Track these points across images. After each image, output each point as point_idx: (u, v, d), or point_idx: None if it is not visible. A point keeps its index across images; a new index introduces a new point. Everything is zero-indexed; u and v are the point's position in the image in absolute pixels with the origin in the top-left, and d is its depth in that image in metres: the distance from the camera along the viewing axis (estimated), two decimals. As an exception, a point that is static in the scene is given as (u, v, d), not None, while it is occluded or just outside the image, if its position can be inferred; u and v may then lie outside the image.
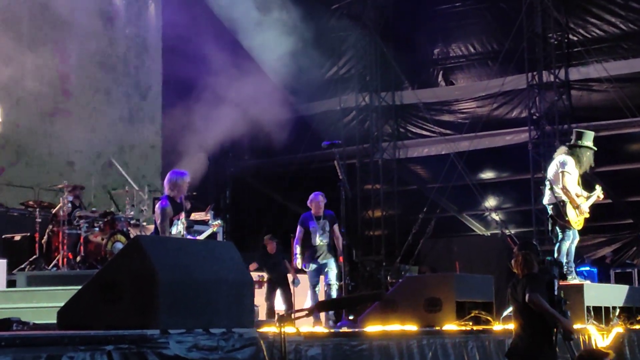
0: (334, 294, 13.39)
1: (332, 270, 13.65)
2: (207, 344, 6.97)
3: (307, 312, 8.59)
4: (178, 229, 10.91)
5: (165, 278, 6.93)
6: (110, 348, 6.34)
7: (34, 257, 13.70)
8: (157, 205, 11.10)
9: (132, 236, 14.07)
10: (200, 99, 19.24)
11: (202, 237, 13.54)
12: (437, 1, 24.32)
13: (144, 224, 14.81)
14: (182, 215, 11.07)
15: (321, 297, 13.91)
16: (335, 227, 13.72)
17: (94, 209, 14.95)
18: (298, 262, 13.88)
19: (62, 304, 9.51)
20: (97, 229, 14.08)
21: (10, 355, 5.75)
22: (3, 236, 14.66)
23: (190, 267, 7.35)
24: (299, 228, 13.84)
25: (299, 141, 23.26)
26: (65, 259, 13.50)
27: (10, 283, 12.81)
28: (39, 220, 14.02)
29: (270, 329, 8.02)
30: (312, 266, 13.68)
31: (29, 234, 14.39)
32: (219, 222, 15.27)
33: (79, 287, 10.58)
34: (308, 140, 23.03)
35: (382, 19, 25.13)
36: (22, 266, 13.47)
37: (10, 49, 18.30)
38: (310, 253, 13.71)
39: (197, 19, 20.41)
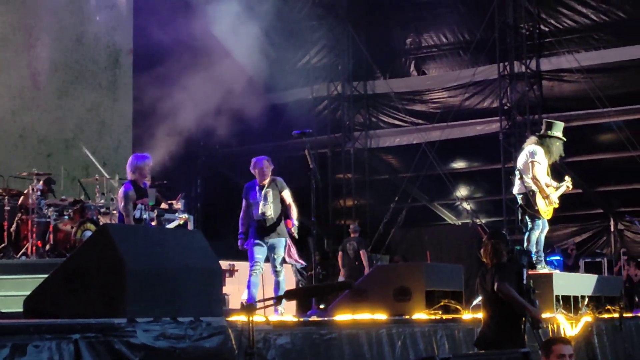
0: (281, 283, 11.79)
1: (279, 255, 11.83)
2: (174, 332, 6.94)
3: (275, 300, 8.61)
4: (142, 214, 10.87)
5: (133, 266, 6.89)
6: (76, 337, 6.30)
7: (3, 245, 13.58)
8: (119, 190, 11.09)
9: (101, 224, 14.00)
10: (170, 86, 19.14)
11: (170, 227, 13.48)
12: (409, -9, 24.38)
13: (114, 212, 14.70)
14: (146, 201, 11.04)
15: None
16: (285, 194, 11.94)
17: (63, 197, 14.86)
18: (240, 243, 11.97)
19: (27, 293, 9.48)
20: (66, 217, 13.99)
21: (-25, 344, 5.70)
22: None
23: (158, 255, 7.32)
24: (243, 202, 12.01)
25: (271, 130, 23.21)
26: (34, 248, 13.40)
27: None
28: (8, 208, 13.90)
29: (238, 318, 8.00)
30: (257, 247, 11.71)
31: (-3, 223, 14.28)
32: (185, 215, 15.23)
33: (43, 276, 10.58)
34: (280, 129, 22.98)
35: (355, 8, 25.12)
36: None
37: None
38: (253, 230, 11.78)
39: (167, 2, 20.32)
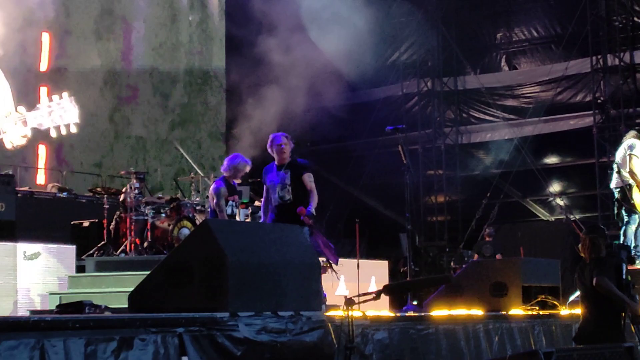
0: None
1: None
2: (275, 326, 7.03)
3: (374, 295, 8.64)
4: (233, 210, 11.03)
5: (234, 261, 6.99)
6: (181, 330, 6.43)
7: (102, 243, 13.87)
8: (211, 187, 11.29)
9: (197, 222, 14.21)
10: (261, 84, 19.33)
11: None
12: (500, -15, 24.23)
13: (209, 209, 14.92)
14: (237, 198, 11.19)
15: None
16: (307, 177, 10.47)
17: (160, 195, 15.12)
18: None
19: (129, 289, 9.65)
20: (163, 215, 14.22)
21: (85, 337, 5.85)
22: (72, 222, 14.87)
23: (258, 250, 7.41)
24: (264, 187, 10.79)
25: (362, 127, 23.29)
26: (132, 245, 13.65)
27: (80, 268, 13.02)
28: (107, 206, 14.19)
29: (336, 313, 8.06)
30: None
31: (97, 220, 14.58)
32: None
33: (146, 272, 10.77)
34: (370, 126, 23.04)
35: (444, 4, 25.03)
36: (91, 252, 13.65)
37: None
38: (271, 217, 10.49)
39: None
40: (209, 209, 12.07)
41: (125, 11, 20.63)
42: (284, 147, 10.45)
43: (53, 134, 16.15)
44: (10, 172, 14.15)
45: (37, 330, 5.63)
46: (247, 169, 11.45)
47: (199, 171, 16.19)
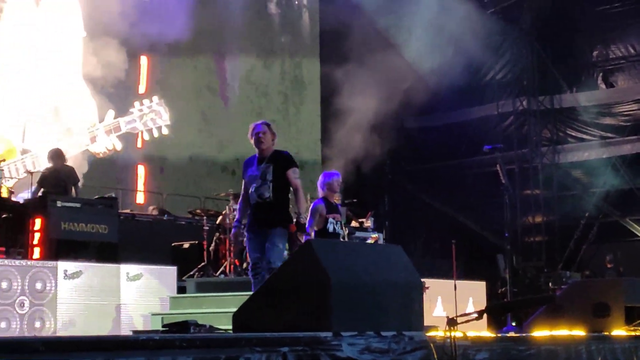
0: None
1: (275, 246, 9.10)
2: (378, 346, 7.03)
3: (476, 315, 8.60)
4: (334, 228, 11.05)
5: (337, 280, 7.03)
6: (285, 350, 6.47)
7: (202, 264, 14.06)
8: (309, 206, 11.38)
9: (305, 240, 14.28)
10: (355, 104, 19.42)
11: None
12: (595, 2, 23.90)
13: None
14: (338, 216, 11.21)
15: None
16: (291, 173, 9.21)
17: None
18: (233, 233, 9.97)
19: (230, 310, 9.79)
20: (259, 233, 14.34)
21: (192, 356, 5.93)
22: (173, 244, 15.11)
23: (360, 269, 7.44)
24: (242, 182, 9.60)
25: (457, 147, 23.19)
26: (232, 266, 13.82)
27: (181, 289, 13.23)
28: (206, 228, 14.39)
29: (437, 333, 8.03)
30: (251, 243, 9.33)
31: (197, 242, 14.79)
32: (376, 235, 15.39)
33: (246, 293, 10.90)
34: (465, 146, 22.94)
35: (539, 22, 24.82)
36: (191, 273, 13.85)
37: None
38: (249, 219, 9.39)
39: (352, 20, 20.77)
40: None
41: (219, 43, 21.04)
42: (262, 136, 9.20)
43: (146, 136, 16.65)
44: (114, 195, 14.44)
45: (146, 349, 5.73)
46: (338, 179, 11.40)
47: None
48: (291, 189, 9.37)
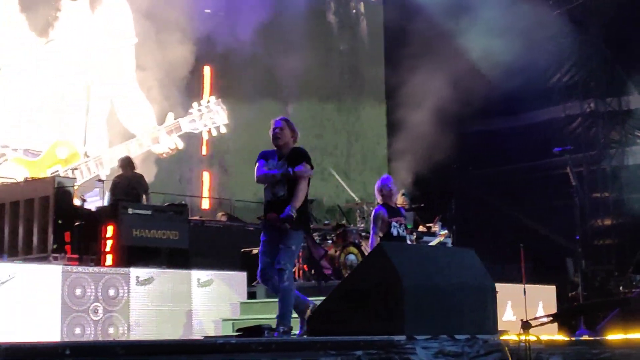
0: (285, 292, 8.51)
1: (287, 248, 8.51)
2: (452, 350, 7.03)
3: (551, 318, 8.54)
4: (398, 231, 11.05)
5: (410, 284, 7.05)
6: (359, 353, 6.51)
7: (272, 269, 14.11)
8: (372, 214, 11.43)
9: (363, 248, 14.32)
10: (420, 114, 19.40)
11: (431, 244, 13.62)
12: (662, 2, 23.59)
13: (374, 236, 15.03)
14: (401, 219, 11.21)
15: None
16: (300, 166, 8.64)
17: (326, 221, 15.30)
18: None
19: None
20: (329, 241, 14.39)
21: (267, 360, 6.01)
22: (242, 250, 15.21)
23: (432, 273, 7.45)
24: None
25: (524, 150, 23.02)
26: (301, 271, 13.87)
27: (251, 294, 13.31)
28: (272, 233, 14.43)
29: (510, 337, 7.99)
30: (264, 243, 8.74)
31: (265, 248, 14.84)
32: (445, 232, 15.33)
33: (315, 298, 10.94)
34: (532, 149, 22.76)
35: (605, 24, 24.53)
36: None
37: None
38: (263, 221, 8.85)
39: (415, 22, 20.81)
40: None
41: (280, 51, 21.24)
42: (278, 132, 8.83)
43: (205, 136, 17.00)
44: (184, 202, 14.60)
45: (222, 353, 5.80)
46: (391, 183, 11.42)
47: (354, 197, 16.36)
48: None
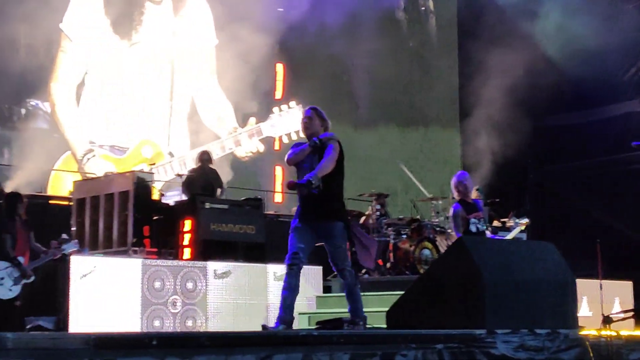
0: (353, 288, 8.41)
1: (338, 247, 8.45)
2: (533, 344, 7.02)
3: (632, 313, 8.46)
4: (477, 227, 11.02)
5: (490, 278, 7.05)
6: (440, 347, 6.53)
7: (347, 263, 14.17)
8: (450, 210, 11.42)
9: (438, 243, 14.31)
10: (493, 109, 19.30)
11: (510, 236, 13.54)
12: None
13: (449, 231, 14.99)
14: (479, 215, 11.16)
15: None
16: (330, 148, 8.21)
17: (401, 216, 15.31)
18: None
19: (374, 309, 9.87)
20: (404, 236, 14.40)
21: (349, 352, 6.06)
22: (317, 244, 15.27)
23: (512, 267, 7.44)
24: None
25: (599, 144, 22.75)
26: (375, 266, 13.92)
27: (326, 289, 13.37)
28: (350, 228, 14.48)
29: (590, 332, 7.95)
30: (297, 233, 8.45)
31: (340, 242, 14.90)
32: (526, 220, 15.19)
33: (390, 293, 10.98)
34: (609, 144, 22.49)
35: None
36: (336, 273, 13.97)
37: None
38: (298, 209, 8.51)
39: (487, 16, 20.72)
40: (452, 231, 12.15)
41: (350, 48, 21.38)
42: (307, 121, 8.43)
43: (285, 140, 17.29)
44: (259, 197, 14.73)
45: (305, 345, 5.87)
46: (467, 179, 11.37)
47: (425, 192, 16.34)
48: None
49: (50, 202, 15.06)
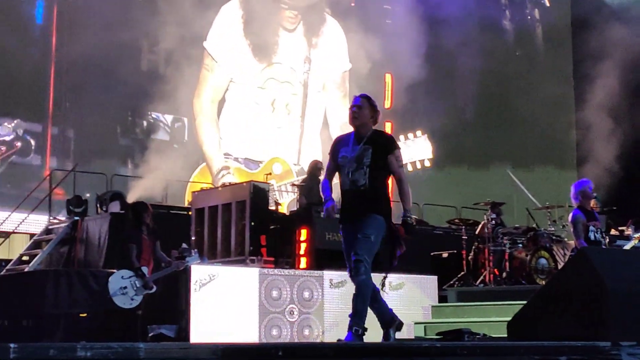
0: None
1: (366, 237, 7.41)
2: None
3: None
4: (595, 236, 10.84)
5: (614, 289, 6.93)
6: (563, 359, 6.45)
7: (462, 273, 14.12)
8: (569, 217, 11.25)
9: (554, 252, 14.13)
10: (607, 118, 19.02)
11: (628, 246, 13.32)
12: None
13: (566, 239, 14.81)
14: (598, 224, 10.98)
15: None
16: (393, 159, 7.54)
17: (516, 225, 15.17)
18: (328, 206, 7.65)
19: (492, 319, 9.80)
20: (520, 245, 14.24)
21: (473, 364, 6.04)
22: (432, 253, 15.27)
23: (635, 277, 7.30)
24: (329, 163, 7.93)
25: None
26: (491, 275, 13.79)
27: (442, 298, 13.34)
28: (465, 237, 14.44)
29: None
30: (345, 238, 7.68)
31: (455, 251, 14.87)
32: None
33: (507, 303, 10.89)
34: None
35: None
36: (451, 282, 13.95)
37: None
38: (340, 207, 7.74)
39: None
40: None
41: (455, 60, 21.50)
42: (356, 110, 7.64)
43: (409, 167, 17.65)
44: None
45: (428, 356, 5.87)
46: (590, 186, 11.15)
47: (534, 200, 16.16)
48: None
49: (171, 211, 15.39)
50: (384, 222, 7.45)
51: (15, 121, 15.15)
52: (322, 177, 14.69)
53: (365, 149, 7.47)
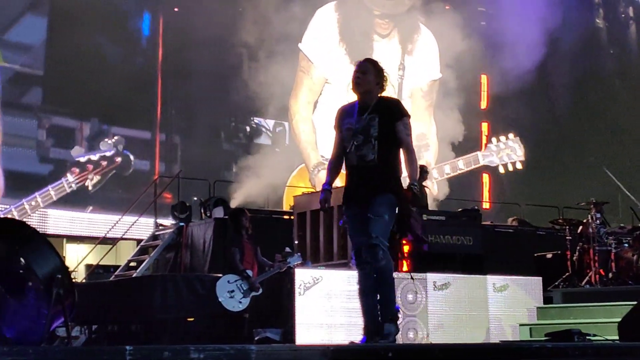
0: (383, 272, 6.80)
1: (379, 217, 6.68)
2: None
3: None
4: None
5: None
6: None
7: (567, 274, 13.95)
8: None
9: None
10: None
11: None
12: None
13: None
14: None
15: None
16: (401, 126, 6.88)
17: (622, 224, 14.93)
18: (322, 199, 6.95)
19: (599, 320, 9.67)
20: (626, 245, 14.00)
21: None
22: (535, 254, 15.13)
23: None
24: (336, 136, 7.21)
25: None
26: (597, 276, 13.58)
27: (547, 299, 13.19)
28: (569, 238, 14.26)
29: None
30: (352, 223, 6.93)
31: (559, 252, 14.71)
32: None
33: (614, 304, 10.73)
34: None
35: None
36: (556, 283, 13.79)
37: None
38: (346, 187, 7.02)
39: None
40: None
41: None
42: (360, 76, 6.92)
43: (501, 169, 17.75)
44: (476, 207, 14.73)
45: (539, 357, 5.85)
46: None
47: (633, 198, 15.87)
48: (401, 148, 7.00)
49: (274, 216, 15.56)
50: (395, 201, 6.79)
51: (115, 137, 15.53)
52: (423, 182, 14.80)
53: (371, 118, 6.83)
